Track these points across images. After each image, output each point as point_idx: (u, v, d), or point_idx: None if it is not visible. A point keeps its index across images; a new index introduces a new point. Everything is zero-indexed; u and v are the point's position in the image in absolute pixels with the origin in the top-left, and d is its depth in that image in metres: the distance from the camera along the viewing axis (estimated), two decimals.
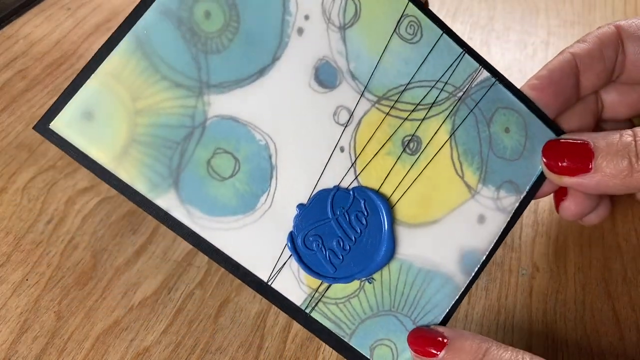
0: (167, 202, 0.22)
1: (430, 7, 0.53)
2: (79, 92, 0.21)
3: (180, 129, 0.22)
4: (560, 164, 0.25)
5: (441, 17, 0.49)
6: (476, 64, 0.25)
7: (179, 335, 0.29)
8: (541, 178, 0.26)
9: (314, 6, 0.23)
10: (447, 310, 0.25)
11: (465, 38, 0.48)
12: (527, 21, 0.50)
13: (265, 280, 0.23)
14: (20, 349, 0.28)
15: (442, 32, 0.25)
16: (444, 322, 0.25)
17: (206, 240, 0.22)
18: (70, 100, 0.21)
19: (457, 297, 0.25)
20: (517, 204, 0.26)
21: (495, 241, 0.26)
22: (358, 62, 0.24)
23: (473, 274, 0.25)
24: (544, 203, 0.35)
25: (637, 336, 0.30)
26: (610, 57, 0.27)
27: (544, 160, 0.26)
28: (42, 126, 0.21)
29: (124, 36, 0.21)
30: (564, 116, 0.27)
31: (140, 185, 0.22)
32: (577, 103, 0.28)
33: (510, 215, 0.26)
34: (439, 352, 0.23)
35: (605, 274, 0.32)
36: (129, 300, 0.30)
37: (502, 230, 0.26)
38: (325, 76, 0.24)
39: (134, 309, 0.30)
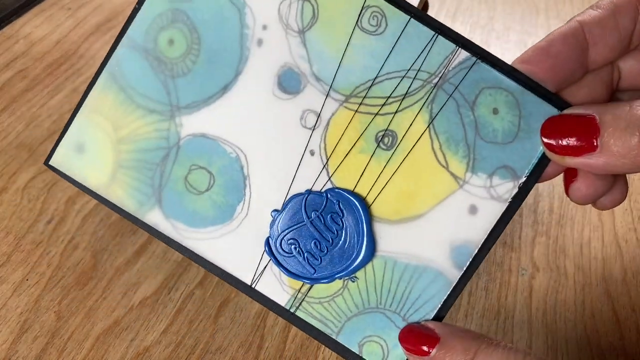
0: (154, 218, 0.24)
1: (430, 8, 0.51)
2: (69, 129, 0.24)
3: (158, 151, 0.24)
4: (561, 143, 0.23)
5: (441, 17, 0.49)
6: (452, 46, 0.23)
7: (179, 335, 0.29)
8: (544, 159, 0.24)
9: (271, 15, 0.24)
10: (440, 305, 0.24)
11: None
12: (527, 21, 0.48)
13: (249, 283, 0.24)
14: (20, 348, 0.29)
15: (409, 17, 0.23)
16: (438, 318, 0.24)
17: (192, 250, 0.24)
18: (63, 138, 0.24)
19: (449, 291, 0.24)
20: (515, 191, 0.24)
21: (490, 232, 0.24)
22: (321, 64, 0.24)
23: (466, 268, 0.24)
24: (544, 203, 0.33)
25: (637, 336, 0.27)
26: (626, 27, 0.23)
27: (543, 139, 0.23)
28: (47, 162, 0.25)
29: (100, 74, 0.24)
30: (569, 89, 0.24)
31: (129, 205, 0.24)
32: (586, 74, 0.24)
33: (508, 203, 0.24)
34: (431, 350, 0.23)
35: (605, 274, 0.30)
36: (129, 300, 0.30)
37: (497, 219, 0.24)
38: (288, 82, 0.24)
39: (134, 308, 0.30)
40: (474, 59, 0.23)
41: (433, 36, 0.23)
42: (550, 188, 0.35)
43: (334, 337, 0.24)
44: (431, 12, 0.50)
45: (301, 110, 0.24)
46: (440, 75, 0.23)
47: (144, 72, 0.24)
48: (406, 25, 0.23)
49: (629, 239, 0.31)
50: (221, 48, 0.24)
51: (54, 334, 0.29)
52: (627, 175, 0.24)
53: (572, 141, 0.22)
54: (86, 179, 0.24)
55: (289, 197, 0.24)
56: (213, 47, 0.24)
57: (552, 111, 0.24)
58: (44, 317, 0.30)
